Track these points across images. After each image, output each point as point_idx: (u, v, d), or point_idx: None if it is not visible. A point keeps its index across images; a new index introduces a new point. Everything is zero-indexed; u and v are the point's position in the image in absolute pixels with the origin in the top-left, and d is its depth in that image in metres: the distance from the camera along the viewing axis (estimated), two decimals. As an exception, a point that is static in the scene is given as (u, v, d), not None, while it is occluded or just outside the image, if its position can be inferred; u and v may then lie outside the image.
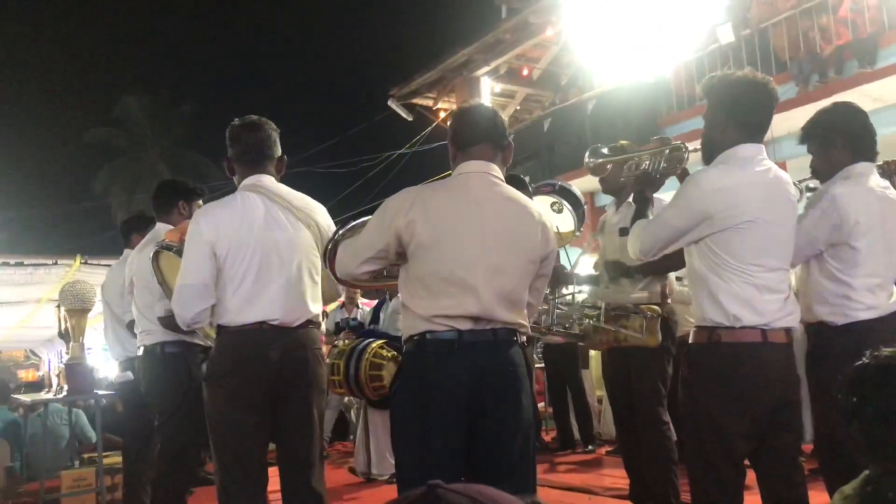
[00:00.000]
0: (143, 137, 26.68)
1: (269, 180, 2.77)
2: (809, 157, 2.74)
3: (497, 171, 2.30)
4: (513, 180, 2.53)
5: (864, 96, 6.85)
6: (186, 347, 3.50)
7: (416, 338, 2.19)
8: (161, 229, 3.62)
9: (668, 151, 2.79)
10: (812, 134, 2.62)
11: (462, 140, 2.31)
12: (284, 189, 2.80)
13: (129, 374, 3.93)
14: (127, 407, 4.16)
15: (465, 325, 2.14)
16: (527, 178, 3.82)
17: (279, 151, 2.84)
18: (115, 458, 5.14)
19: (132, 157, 26.60)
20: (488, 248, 2.17)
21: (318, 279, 2.79)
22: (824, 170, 2.61)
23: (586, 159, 3.28)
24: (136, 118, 26.51)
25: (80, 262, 8.07)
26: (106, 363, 11.38)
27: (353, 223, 2.55)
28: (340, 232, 2.57)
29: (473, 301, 2.13)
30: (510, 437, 2.18)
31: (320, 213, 2.84)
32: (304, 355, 2.70)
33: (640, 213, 2.63)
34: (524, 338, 5.67)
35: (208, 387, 2.70)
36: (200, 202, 3.74)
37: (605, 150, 3.40)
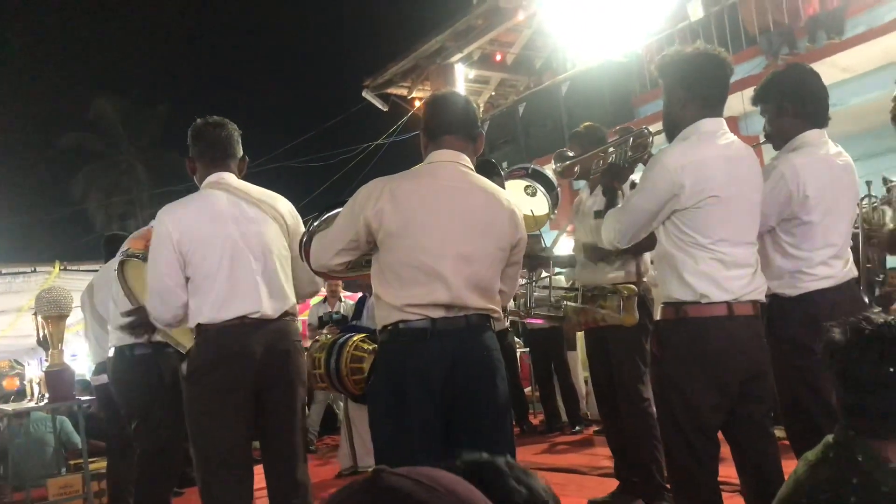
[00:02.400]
0: (119, 139, 26.33)
1: (230, 177, 2.77)
2: None
3: (467, 161, 2.31)
4: (484, 165, 2.53)
5: (832, 67, 6.90)
6: (156, 348, 3.48)
7: (389, 327, 2.20)
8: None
9: (631, 140, 2.81)
10: (764, 97, 2.60)
11: (433, 129, 2.32)
12: (246, 184, 2.80)
13: (105, 377, 3.92)
14: (107, 411, 4.14)
15: (438, 313, 2.15)
16: (504, 164, 3.83)
17: (241, 152, 2.85)
18: (101, 464, 5.13)
19: (108, 161, 26.29)
20: (457, 237, 2.17)
21: (290, 270, 2.79)
22: (776, 135, 2.60)
23: (553, 165, 3.30)
24: (110, 120, 26.13)
25: (60, 269, 7.98)
26: (92, 369, 11.28)
27: (327, 214, 2.55)
28: (315, 224, 2.56)
29: (443, 290, 2.14)
30: (487, 421, 2.19)
31: (284, 205, 2.85)
32: (287, 348, 2.71)
33: (610, 204, 2.64)
34: (507, 323, 5.69)
35: (189, 385, 2.68)
36: None
37: (569, 154, 3.43)
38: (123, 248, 3.28)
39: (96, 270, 5.13)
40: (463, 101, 2.39)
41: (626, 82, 9.51)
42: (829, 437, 1.51)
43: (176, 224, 2.63)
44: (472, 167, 2.32)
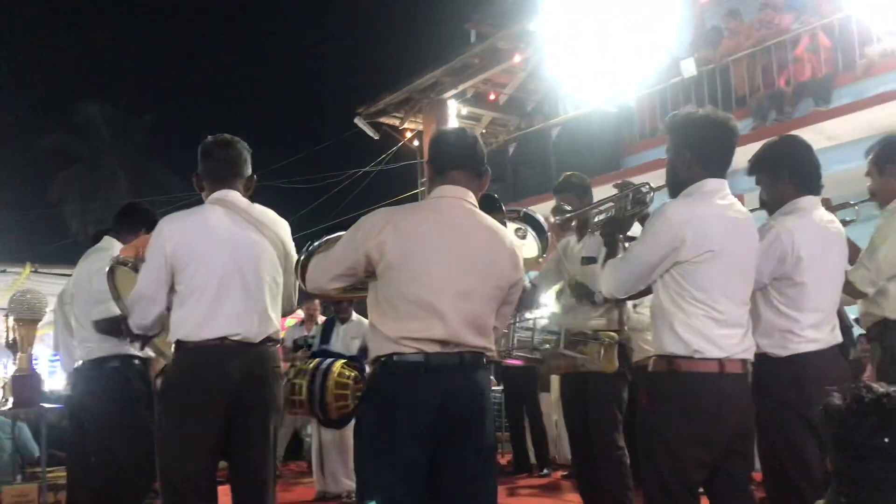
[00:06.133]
0: (103, 145, 26.05)
1: (235, 195, 2.76)
2: None
3: (472, 199, 2.32)
4: (485, 200, 2.53)
5: (818, 134, 7.05)
6: (124, 361, 3.42)
7: (383, 359, 2.18)
8: (109, 244, 3.57)
9: (631, 195, 2.84)
10: (759, 167, 2.69)
11: (440, 164, 2.33)
12: (250, 204, 2.79)
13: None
14: (71, 421, 4.03)
15: (433, 348, 2.14)
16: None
17: (249, 171, 2.84)
18: (59, 474, 4.98)
19: (90, 165, 25.97)
20: (457, 273, 2.17)
21: (280, 295, 2.77)
22: (772, 202, 2.69)
23: (552, 219, 3.32)
24: (95, 125, 25.89)
25: (31, 270, 7.85)
26: (51, 376, 11.03)
27: (329, 237, 2.55)
28: (315, 244, 2.55)
29: (440, 325, 2.13)
30: (473, 461, 2.17)
31: (283, 229, 2.84)
32: (264, 374, 2.68)
33: (610, 255, 2.66)
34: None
35: (162, 403, 2.65)
36: None
37: (567, 208, 3.46)
38: (115, 254, 3.23)
39: (68, 275, 5.04)
40: (472, 138, 2.41)
41: (617, 132, 9.63)
42: (820, 503, 1.51)
43: (171, 236, 2.62)
44: (477, 204, 2.33)
